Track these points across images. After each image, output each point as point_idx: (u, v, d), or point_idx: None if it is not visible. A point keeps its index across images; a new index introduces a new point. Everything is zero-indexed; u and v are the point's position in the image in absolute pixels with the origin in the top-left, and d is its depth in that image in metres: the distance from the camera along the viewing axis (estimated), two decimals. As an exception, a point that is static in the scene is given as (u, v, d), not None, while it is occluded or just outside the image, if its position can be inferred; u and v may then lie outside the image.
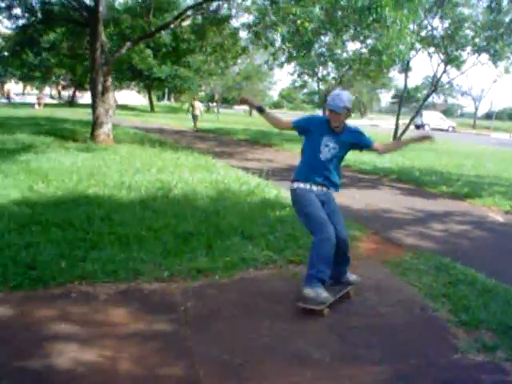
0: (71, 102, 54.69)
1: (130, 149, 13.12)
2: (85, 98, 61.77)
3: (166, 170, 9.78)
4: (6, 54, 33.58)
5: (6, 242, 5.04)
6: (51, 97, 66.70)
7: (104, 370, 3.09)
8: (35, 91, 67.82)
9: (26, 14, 18.33)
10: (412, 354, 3.48)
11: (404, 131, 21.80)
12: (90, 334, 3.50)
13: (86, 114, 26.45)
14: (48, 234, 5.38)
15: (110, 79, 14.51)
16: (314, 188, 3.83)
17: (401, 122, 23.03)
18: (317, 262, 3.62)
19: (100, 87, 14.12)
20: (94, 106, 14.24)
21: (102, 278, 4.42)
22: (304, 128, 3.92)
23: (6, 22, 21.31)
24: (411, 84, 72.31)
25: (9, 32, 26.04)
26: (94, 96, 14.38)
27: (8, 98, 53.90)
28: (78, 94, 58.79)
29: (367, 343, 3.58)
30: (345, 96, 3.75)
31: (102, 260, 4.74)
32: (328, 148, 3.79)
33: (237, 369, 3.16)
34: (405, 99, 27.79)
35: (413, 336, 3.74)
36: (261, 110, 3.88)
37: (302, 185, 3.85)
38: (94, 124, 14.08)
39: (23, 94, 67.08)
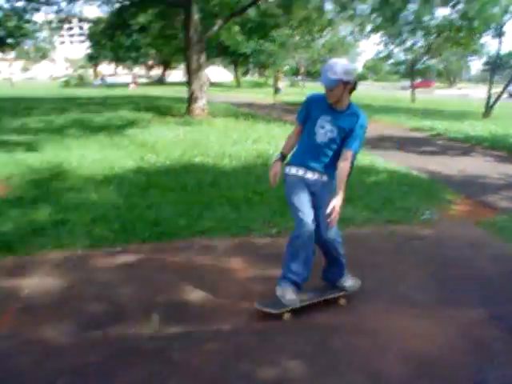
0: (161, 81, 57.04)
1: (225, 122, 13.84)
2: (172, 76, 64.11)
3: (262, 141, 10.34)
4: (98, 37, 35.79)
5: (132, 203, 5.80)
6: (140, 76, 69.75)
7: (224, 304, 3.67)
8: (125, 71, 71.19)
9: (122, -2, 19.59)
10: (507, 300, 3.77)
11: (496, 100, 20.80)
12: (215, 277, 4.10)
13: (176, 92, 27.70)
14: (165, 196, 6.09)
15: (203, 56, 15.25)
16: (308, 175, 3.29)
17: (493, 90, 21.99)
18: (287, 261, 3.32)
19: (194, 64, 14.89)
20: (189, 82, 15.06)
21: (219, 234, 5.02)
22: (305, 115, 3.33)
23: (94, 9, 22.72)
24: (505, 50, 67.64)
25: (100, 15, 27.60)
26: (189, 73, 15.20)
27: (102, 79, 57.17)
28: (165, 72, 61.10)
29: (464, 290, 3.89)
30: (339, 66, 3.00)
31: (216, 218, 5.34)
32: (324, 130, 3.19)
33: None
34: (498, 66, 26.35)
35: (508, 286, 4.01)
36: (283, 155, 3.48)
37: (293, 170, 3.34)
38: (190, 99, 14.91)
39: (114, 74, 70.63)
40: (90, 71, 68.56)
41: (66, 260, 4.33)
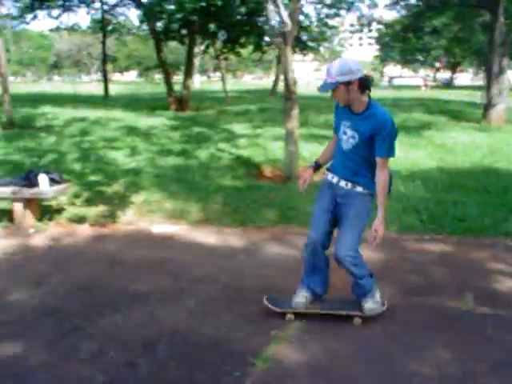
0: (448, 84, 55.38)
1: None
2: (459, 79, 61.40)
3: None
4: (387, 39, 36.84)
5: (438, 198, 6.33)
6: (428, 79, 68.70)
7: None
8: (411, 74, 71.06)
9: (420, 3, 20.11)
10: None
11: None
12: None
13: (466, 95, 26.70)
14: (469, 196, 6.43)
15: (506, 60, 14.63)
16: (342, 183, 3.07)
17: None
18: (303, 266, 3.35)
19: (496, 68, 14.42)
20: (488, 86, 14.67)
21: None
22: (335, 122, 3.15)
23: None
24: None
25: (394, 18, 28.42)
26: (488, 77, 14.80)
27: (389, 80, 58.43)
28: (453, 75, 58.96)
29: None
30: (333, 68, 2.76)
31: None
32: (346, 136, 2.96)
33: None
34: None
35: None
36: (318, 164, 3.35)
37: (329, 176, 3.17)
38: (488, 104, 14.52)
39: (400, 76, 71.15)
40: (377, 73, 70.66)
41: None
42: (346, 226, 3.04)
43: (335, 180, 3.09)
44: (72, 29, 30.36)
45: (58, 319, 3.43)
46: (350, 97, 2.82)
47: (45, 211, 5.82)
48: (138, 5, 19.45)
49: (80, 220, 5.74)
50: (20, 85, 50.13)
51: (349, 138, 2.94)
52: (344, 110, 2.98)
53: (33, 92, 31.37)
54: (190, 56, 19.47)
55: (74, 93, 31.53)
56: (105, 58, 30.54)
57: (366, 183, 3.01)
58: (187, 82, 18.98)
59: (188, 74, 19.25)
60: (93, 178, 7.25)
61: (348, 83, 2.75)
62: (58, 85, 55.25)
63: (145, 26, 22.35)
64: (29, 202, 5.49)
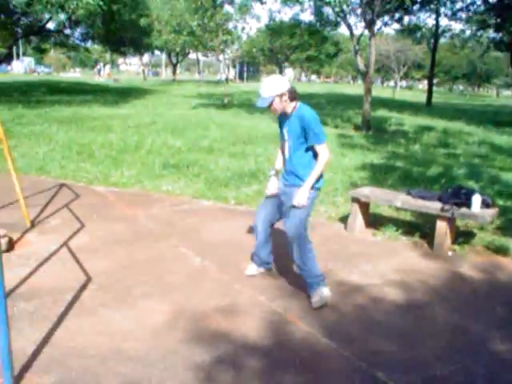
0: None
1: None
2: None
3: None
4: None
5: None
6: None
7: None
8: None
9: None
10: None
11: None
12: None
13: None
14: None
15: None
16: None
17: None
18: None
19: None
20: None
21: None
22: (280, 131, 3.65)
23: None
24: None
25: None
26: None
27: None
28: None
29: None
30: (265, 85, 3.36)
31: None
32: (283, 140, 3.58)
33: None
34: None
35: None
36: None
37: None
38: None
39: None
40: None
41: None
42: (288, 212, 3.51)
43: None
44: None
45: None
46: (284, 105, 3.37)
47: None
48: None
49: (499, 250, 4.94)
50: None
51: (286, 142, 3.50)
52: (281, 117, 3.54)
53: (350, 94, 32.58)
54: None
55: (392, 98, 31.50)
56: (433, 66, 29.52)
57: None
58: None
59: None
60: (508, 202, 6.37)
61: (281, 95, 3.32)
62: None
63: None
64: (451, 222, 4.93)
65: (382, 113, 15.75)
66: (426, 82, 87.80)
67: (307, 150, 3.40)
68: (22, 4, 17.52)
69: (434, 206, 4.86)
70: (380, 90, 44.73)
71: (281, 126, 3.58)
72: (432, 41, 27.94)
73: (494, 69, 64.39)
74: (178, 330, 3.11)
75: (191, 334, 3.07)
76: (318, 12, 18.73)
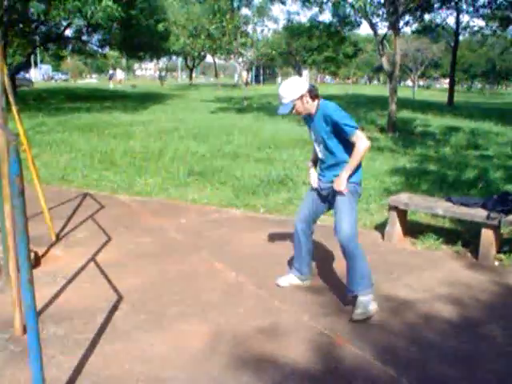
0: None
1: None
2: None
3: None
4: None
5: None
6: None
7: None
8: None
9: None
10: None
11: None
12: None
13: None
14: None
15: None
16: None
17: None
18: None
19: None
20: None
21: None
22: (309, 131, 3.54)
23: None
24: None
25: None
26: None
27: None
28: None
29: None
30: (283, 90, 3.22)
31: None
32: (315, 142, 3.45)
33: None
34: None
35: None
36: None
37: None
38: None
39: None
40: None
41: None
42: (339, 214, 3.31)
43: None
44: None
45: None
46: (306, 107, 3.23)
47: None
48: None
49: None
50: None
51: (318, 144, 3.38)
52: (307, 118, 3.41)
53: (369, 94, 32.18)
54: None
55: (412, 98, 31.04)
56: (454, 65, 28.98)
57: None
58: None
59: None
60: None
61: (301, 97, 3.18)
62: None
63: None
64: (497, 230, 4.64)
65: (404, 114, 15.39)
66: (443, 80, 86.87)
67: (342, 146, 3.25)
68: (41, 12, 17.55)
69: (478, 214, 4.60)
70: (398, 90, 44.16)
71: (309, 127, 3.47)
72: (453, 38, 27.38)
73: (513, 66, 63.37)
74: (220, 354, 2.89)
75: (234, 359, 2.84)
76: (337, 12, 18.43)
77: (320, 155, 3.41)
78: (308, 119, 3.41)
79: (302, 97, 3.19)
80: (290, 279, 3.83)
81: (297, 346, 3.00)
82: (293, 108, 3.22)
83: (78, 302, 3.52)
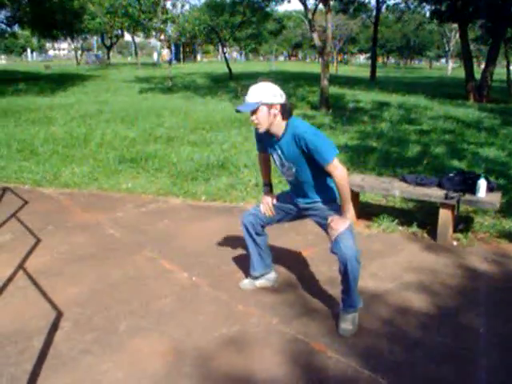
0: None
1: None
2: None
3: None
4: None
5: None
6: None
7: None
8: None
9: None
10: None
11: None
12: None
13: None
14: None
15: None
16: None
17: None
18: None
19: None
20: None
21: None
22: (260, 146, 3.07)
23: None
24: None
25: None
26: None
27: None
28: None
29: None
30: (255, 88, 2.66)
31: None
32: (285, 168, 2.88)
33: None
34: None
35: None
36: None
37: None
38: None
39: None
40: None
41: None
42: None
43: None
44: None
45: None
46: (271, 121, 2.69)
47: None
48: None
49: (505, 236, 4.60)
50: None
51: (287, 169, 2.85)
52: (265, 136, 2.86)
53: (292, 71, 32.22)
54: (496, 41, 17.11)
55: (335, 74, 31.39)
56: (375, 40, 29.56)
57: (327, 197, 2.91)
58: (489, 70, 16.71)
59: (491, 60, 16.93)
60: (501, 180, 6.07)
61: (270, 105, 2.65)
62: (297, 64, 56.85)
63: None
64: (454, 209, 4.54)
65: (332, 89, 15.33)
66: (360, 56, 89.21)
67: (318, 170, 2.78)
68: None
69: (436, 194, 4.43)
70: (317, 66, 44.69)
71: (266, 148, 2.98)
72: (374, 14, 27.84)
73: (427, 41, 66.18)
74: (186, 377, 2.50)
75: (207, 381, 2.45)
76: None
77: (290, 179, 2.95)
78: (267, 138, 2.89)
79: (271, 106, 2.66)
80: (252, 282, 3.46)
81: (271, 357, 2.66)
82: (255, 110, 2.68)
83: (9, 323, 2.98)
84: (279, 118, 2.70)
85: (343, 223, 2.74)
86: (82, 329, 2.92)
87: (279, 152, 2.83)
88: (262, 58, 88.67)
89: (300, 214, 3.11)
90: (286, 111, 2.70)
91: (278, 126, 2.75)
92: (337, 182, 2.71)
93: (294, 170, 2.83)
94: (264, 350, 2.74)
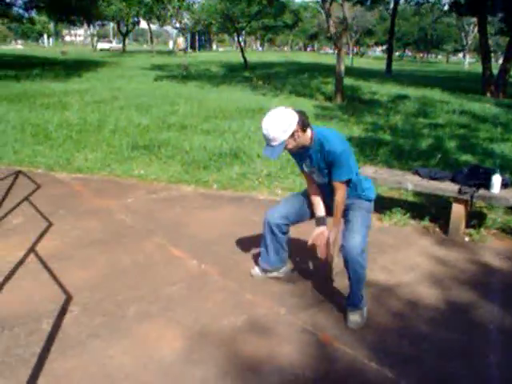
0: None
1: None
2: None
3: None
4: None
5: None
6: None
7: None
8: None
9: None
10: None
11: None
12: None
13: None
14: None
15: None
16: None
17: None
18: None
19: None
20: None
21: None
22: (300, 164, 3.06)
23: None
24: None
25: None
26: None
27: None
28: None
29: None
30: (272, 131, 2.63)
31: None
32: (316, 175, 2.99)
33: None
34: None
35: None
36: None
37: None
38: None
39: None
40: None
41: None
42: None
43: None
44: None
45: None
46: (298, 141, 2.74)
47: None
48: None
49: (513, 232, 4.54)
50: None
51: (317, 176, 2.95)
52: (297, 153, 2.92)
53: (307, 62, 32.00)
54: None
55: (350, 66, 31.13)
56: (392, 33, 29.21)
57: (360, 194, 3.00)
58: (507, 65, 16.44)
59: (509, 55, 16.65)
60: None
61: (292, 135, 2.67)
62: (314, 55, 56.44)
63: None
64: (468, 204, 4.47)
65: (348, 81, 15.20)
66: (377, 48, 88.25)
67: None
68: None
69: (450, 188, 4.37)
70: (333, 58, 44.38)
71: (298, 160, 3.05)
72: (391, 6, 27.49)
73: (444, 35, 65.32)
74: (196, 363, 2.49)
75: (214, 368, 2.45)
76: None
77: (325, 190, 3.04)
78: (297, 154, 2.98)
79: (293, 134, 2.69)
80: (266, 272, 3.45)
81: (278, 347, 2.65)
82: (283, 149, 2.73)
83: (18, 305, 2.99)
84: (301, 133, 2.74)
85: (324, 239, 2.99)
86: (90, 313, 2.93)
87: (309, 161, 2.94)
88: (277, 48, 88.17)
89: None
90: (304, 124, 2.73)
91: (305, 139, 2.80)
92: (336, 198, 2.87)
93: (325, 179, 2.96)
94: (271, 339, 2.73)
